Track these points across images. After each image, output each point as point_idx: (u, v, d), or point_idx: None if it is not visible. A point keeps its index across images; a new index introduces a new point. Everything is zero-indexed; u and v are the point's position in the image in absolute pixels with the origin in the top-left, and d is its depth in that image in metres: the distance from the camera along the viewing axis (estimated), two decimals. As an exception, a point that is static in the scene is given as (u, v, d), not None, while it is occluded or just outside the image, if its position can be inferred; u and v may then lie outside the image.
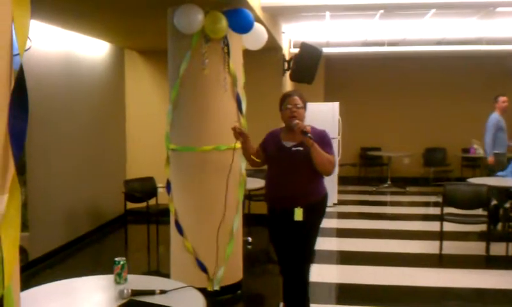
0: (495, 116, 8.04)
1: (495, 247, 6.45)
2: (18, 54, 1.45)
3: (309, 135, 3.75)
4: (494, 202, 7.12)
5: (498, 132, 7.97)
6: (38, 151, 6.20)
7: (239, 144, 4.46)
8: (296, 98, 4.03)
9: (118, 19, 6.15)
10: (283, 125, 4.12)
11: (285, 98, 4.07)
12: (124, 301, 2.55)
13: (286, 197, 3.96)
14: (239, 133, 4.17)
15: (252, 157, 4.26)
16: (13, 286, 1.42)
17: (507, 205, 7.02)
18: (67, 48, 6.98)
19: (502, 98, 8.09)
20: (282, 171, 4.01)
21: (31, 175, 6.02)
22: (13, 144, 1.39)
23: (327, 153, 3.91)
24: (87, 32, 7.23)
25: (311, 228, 4.01)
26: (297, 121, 3.89)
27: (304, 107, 4.08)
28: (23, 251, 5.92)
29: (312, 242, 4.07)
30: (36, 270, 6.08)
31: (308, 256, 4.07)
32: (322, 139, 3.98)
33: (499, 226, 7.39)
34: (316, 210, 4.02)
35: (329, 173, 3.98)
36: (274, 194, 4.07)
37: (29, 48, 1.47)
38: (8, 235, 1.36)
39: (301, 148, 3.92)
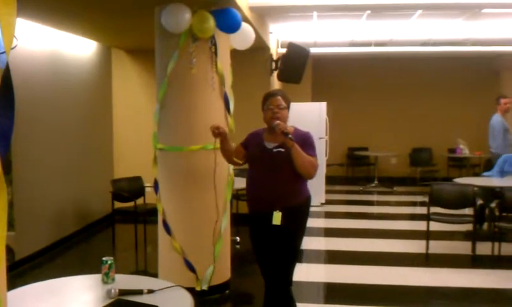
0: (498, 118, 8.04)
1: (481, 246, 6.51)
2: (4, 52, 1.44)
3: (290, 136, 3.66)
4: (480, 202, 7.19)
5: (505, 134, 7.98)
6: (25, 150, 6.15)
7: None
8: (279, 98, 3.89)
9: (105, 18, 6.13)
10: (265, 125, 3.99)
11: (268, 98, 3.93)
12: (111, 300, 2.54)
13: (266, 199, 3.80)
14: (217, 133, 4.04)
15: (235, 158, 4.14)
16: (-1, 285, 1.41)
17: (493, 205, 7.08)
18: (54, 47, 6.94)
19: (503, 100, 8.10)
20: (263, 172, 3.86)
21: (17, 174, 5.97)
22: (-1, 143, 1.39)
23: (309, 155, 3.78)
24: (74, 31, 7.19)
25: (292, 231, 3.83)
26: (278, 121, 3.76)
27: (288, 107, 3.94)
28: (9, 251, 5.88)
29: (294, 244, 3.89)
30: (23, 269, 6.04)
31: (290, 258, 3.88)
32: (305, 140, 3.85)
33: (485, 225, 7.46)
34: (298, 212, 3.87)
35: (310, 176, 3.83)
36: (254, 195, 3.93)
37: (15, 47, 1.46)
38: (-6, 234, 1.35)
39: (282, 149, 3.79)
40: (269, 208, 3.74)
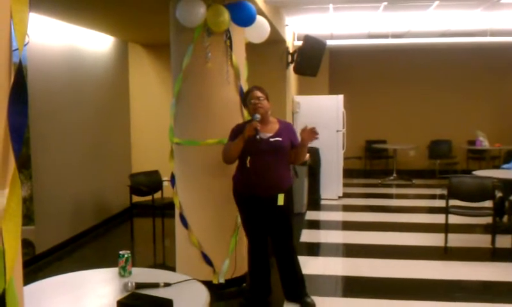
0: None
1: (501, 239, 6.43)
2: (17, 49, 1.45)
3: (259, 136, 4.19)
4: (499, 194, 7.10)
5: None
6: (43, 145, 6.22)
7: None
8: (257, 91, 4.41)
9: (121, 12, 6.16)
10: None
11: (247, 94, 4.49)
12: (127, 294, 2.56)
13: (269, 184, 4.35)
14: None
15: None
16: (15, 279, 1.43)
17: (513, 197, 6.99)
18: (71, 42, 6.99)
19: None
20: (263, 160, 4.32)
21: (36, 169, 6.05)
22: (12, 139, 1.40)
23: (295, 142, 4.48)
24: (90, 26, 7.24)
25: (290, 208, 4.53)
26: (256, 119, 4.25)
27: (267, 99, 4.45)
28: (30, 244, 5.96)
29: (291, 217, 4.59)
30: (43, 263, 6.12)
31: (292, 231, 4.59)
32: (291, 129, 4.58)
33: (505, 218, 7.36)
34: (290, 193, 4.52)
35: (303, 162, 4.76)
36: (256, 182, 4.33)
37: (27, 44, 1.47)
38: (9, 228, 1.37)
39: (279, 138, 4.36)
40: (273, 192, 4.35)
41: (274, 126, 4.47)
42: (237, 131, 4.46)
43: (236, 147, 4.36)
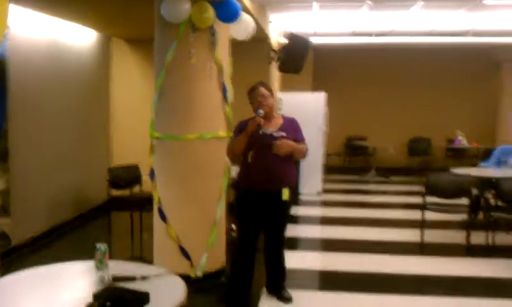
0: None
1: (476, 236, 6.52)
2: (-4, 41, 1.46)
3: (261, 131, 4.26)
4: (475, 192, 7.20)
5: None
6: (22, 137, 6.16)
7: (223, 133, 4.66)
8: (261, 89, 4.43)
9: (105, 6, 6.12)
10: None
11: (252, 91, 4.47)
12: (104, 287, 2.56)
13: (273, 179, 4.35)
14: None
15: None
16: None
17: (488, 195, 7.10)
18: (53, 36, 6.94)
19: None
20: (268, 155, 4.30)
21: (13, 162, 5.99)
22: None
23: (299, 138, 4.48)
24: (74, 20, 7.19)
25: (291, 204, 4.58)
26: (259, 114, 4.29)
27: (272, 95, 4.48)
28: (5, 237, 5.91)
29: (290, 216, 4.69)
30: (19, 255, 6.06)
31: (286, 226, 4.69)
32: (295, 125, 4.56)
33: (480, 215, 7.47)
34: (294, 190, 4.64)
35: (304, 158, 4.71)
36: (261, 177, 4.36)
37: (7, 34, 1.48)
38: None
39: (283, 133, 4.37)
40: (277, 186, 4.36)
41: (278, 121, 4.51)
42: (241, 127, 4.45)
43: (240, 143, 4.38)
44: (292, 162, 4.50)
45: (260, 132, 4.27)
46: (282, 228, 4.64)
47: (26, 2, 5.80)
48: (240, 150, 4.42)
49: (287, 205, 4.49)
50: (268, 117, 4.41)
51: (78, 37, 7.63)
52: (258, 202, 4.46)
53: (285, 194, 4.39)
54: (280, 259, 4.72)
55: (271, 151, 4.28)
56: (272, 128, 4.40)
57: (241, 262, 4.67)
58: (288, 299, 4.63)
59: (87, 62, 7.99)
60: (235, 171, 5.54)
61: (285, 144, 4.30)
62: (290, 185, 4.47)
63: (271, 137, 4.33)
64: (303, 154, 4.54)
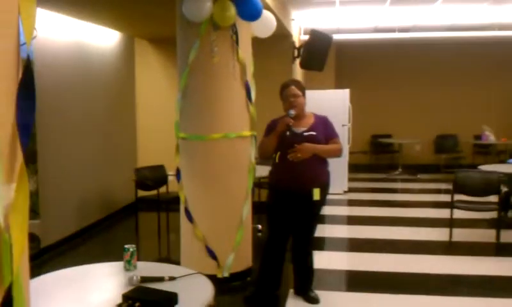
0: None
1: (506, 234, 6.42)
2: (25, 44, 1.46)
3: (288, 132, 4.25)
4: (505, 189, 7.08)
5: None
6: (50, 139, 6.25)
7: (247, 132, 4.68)
8: (293, 87, 4.40)
9: (127, 7, 6.16)
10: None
11: (283, 89, 4.44)
12: (132, 287, 2.57)
13: (304, 180, 4.31)
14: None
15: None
16: (22, 272, 1.45)
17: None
18: (78, 38, 7.01)
19: None
20: None
21: (42, 163, 6.07)
22: (20, 134, 1.42)
23: (331, 136, 4.42)
24: (97, 21, 7.25)
25: (322, 204, 4.51)
26: (292, 111, 4.28)
27: (303, 95, 4.43)
28: (35, 239, 5.98)
29: (319, 213, 4.64)
30: (49, 257, 6.15)
31: (316, 228, 4.63)
32: (327, 124, 4.48)
33: (510, 213, 7.35)
34: (326, 188, 4.50)
35: (339, 157, 4.55)
36: (291, 177, 4.33)
37: (35, 37, 1.48)
38: (16, 222, 1.39)
39: (314, 133, 4.34)
40: (307, 186, 4.31)
41: (309, 120, 4.47)
42: (272, 126, 4.45)
43: (270, 142, 4.39)
44: (323, 161, 4.44)
45: (287, 134, 4.26)
46: (311, 229, 4.58)
47: (50, 5, 5.87)
48: (271, 149, 4.41)
49: (316, 206, 4.45)
50: (299, 116, 4.38)
51: (102, 38, 7.70)
52: (287, 202, 4.45)
53: (316, 194, 4.33)
54: (308, 261, 4.68)
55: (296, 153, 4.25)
56: (302, 128, 4.38)
57: (270, 262, 4.66)
58: (315, 300, 4.60)
59: (112, 64, 8.07)
60: (263, 170, 5.55)
61: (304, 148, 4.26)
62: (322, 185, 4.40)
63: (301, 137, 4.32)
64: (336, 152, 4.46)
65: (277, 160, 4.40)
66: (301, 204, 4.40)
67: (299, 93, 4.39)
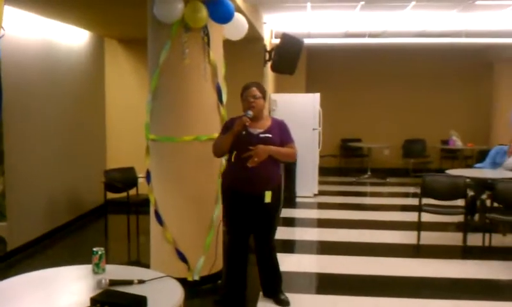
0: None
1: (472, 237, 6.54)
2: (-8, 43, 1.44)
3: (244, 132, 4.28)
4: (471, 193, 7.22)
5: None
6: (17, 140, 6.13)
7: (218, 135, 4.64)
8: (254, 89, 4.42)
9: (97, 7, 6.10)
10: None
11: (244, 90, 4.46)
12: (101, 291, 2.54)
13: (257, 181, 4.35)
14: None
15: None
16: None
17: (484, 196, 7.12)
18: (47, 36, 6.91)
19: None
20: (250, 157, 4.27)
21: (9, 164, 5.95)
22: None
23: (287, 140, 4.46)
24: (66, 20, 7.16)
25: (276, 206, 4.52)
26: (250, 112, 4.30)
27: (264, 97, 4.46)
28: (2, 241, 5.87)
29: (277, 218, 4.63)
30: (15, 260, 6.04)
31: (274, 229, 4.64)
32: (283, 127, 4.52)
33: (476, 216, 7.49)
34: (279, 190, 4.55)
35: (293, 161, 4.71)
36: (243, 178, 4.36)
37: (2, 36, 1.46)
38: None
39: (269, 135, 4.37)
40: (260, 188, 4.36)
41: (266, 123, 4.49)
42: (229, 125, 4.46)
43: (225, 141, 4.38)
44: (276, 163, 4.48)
45: (244, 133, 4.30)
46: (270, 229, 4.60)
47: (19, 3, 5.77)
48: (226, 149, 4.44)
49: (270, 208, 4.45)
50: (257, 117, 4.40)
51: (71, 37, 7.60)
52: (242, 203, 4.47)
53: (268, 196, 4.37)
54: (272, 262, 4.70)
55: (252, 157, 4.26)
56: (259, 129, 4.40)
57: (233, 264, 4.68)
58: (285, 302, 4.61)
59: (81, 63, 7.97)
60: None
61: (260, 150, 4.26)
62: (274, 188, 4.44)
63: (256, 138, 4.34)
64: (290, 156, 4.53)
65: (233, 160, 4.41)
66: (255, 206, 4.43)
67: (260, 94, 4.41)
